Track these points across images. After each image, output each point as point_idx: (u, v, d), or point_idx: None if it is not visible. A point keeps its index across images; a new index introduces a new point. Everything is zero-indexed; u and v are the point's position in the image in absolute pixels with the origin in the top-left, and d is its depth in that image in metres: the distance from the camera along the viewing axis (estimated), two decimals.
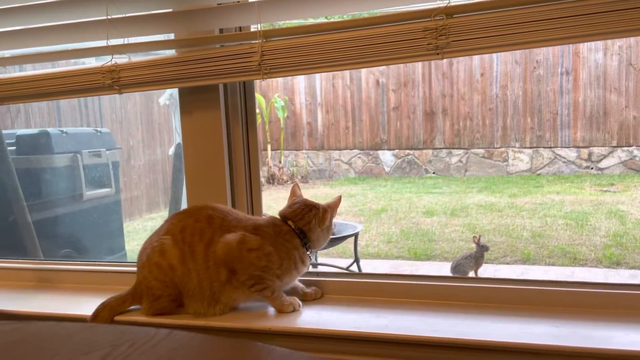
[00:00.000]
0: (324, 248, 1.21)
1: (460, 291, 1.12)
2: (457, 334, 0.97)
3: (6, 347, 0.51)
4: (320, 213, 1.14)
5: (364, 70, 5.99)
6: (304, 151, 6.36)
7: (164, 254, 1.10)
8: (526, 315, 1.04)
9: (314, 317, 1.08)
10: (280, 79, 6.31)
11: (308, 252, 1.13)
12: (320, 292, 1.19)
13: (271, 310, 1.12)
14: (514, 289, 1.09)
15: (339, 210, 1.18)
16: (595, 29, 0.91)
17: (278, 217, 1.16)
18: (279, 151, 6.37)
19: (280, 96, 6.31)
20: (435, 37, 0.98)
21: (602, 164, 5.26)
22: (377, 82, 5.99)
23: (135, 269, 1.17)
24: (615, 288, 1.05)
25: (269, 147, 6.33)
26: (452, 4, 0.98)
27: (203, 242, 1.09)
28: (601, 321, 0.99)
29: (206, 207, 1.14)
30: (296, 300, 1.13)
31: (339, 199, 1.18)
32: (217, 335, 0.58)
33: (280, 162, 6.34)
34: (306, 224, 1.13)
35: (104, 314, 1.14)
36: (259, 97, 6.09)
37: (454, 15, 0.98)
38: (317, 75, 6.18)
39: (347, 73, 6.07)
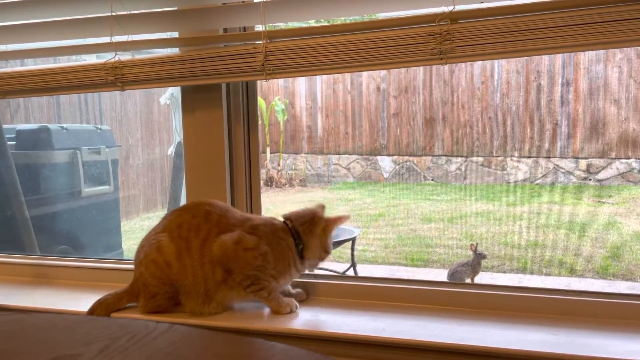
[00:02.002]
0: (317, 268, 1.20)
1: (458, 297, 1.12)
2: (455, 339, 0.96)
3: (6, 338, 0.51)
4: (315, 218, 1.13)
5: (365, 76, 6.01)
6: (303, 155, 6.37)
7: (161, 250, 1.10)
8: (524, 322, 1.03)
9: (310, 319, 1.08)
10: (281, 82, 6.33)
11: (301, 259, 1.12)
12: (305, 294, 1.18)
13: (267, 310, 1.12)
14: (511, 296, 1.09)
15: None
16: (599, 38, 0.92)
17: (280, 217, 1.16)
18: (278, 154, 6.37)
19: (280, 99, 6.32)
20: (440, 42, 0.99)
21: (601, 176, 5.28)
22: (378, 87, 6.01)
23: (132, 266, 1.17)
24: (613, 298, 1.05)
25: (267, 149, 6.33)
26: (457, 9, 0.99)
27: (199, 238, 1.09)
28: (598, 330, 0.99)
29: (204, 203, 1.14)
30: (293, 302, 1.12)
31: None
32: None
33: (279, 165, 6.34)
34: (300, 225, 1.12)
35: (100, 311, 1.13)
36: (259, 100, 6.09)
37: (459, 21, 0.99)
38: (318, 80, 6.19)
39: (348, 78, 6.09)
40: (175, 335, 0.49)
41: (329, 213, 1.17)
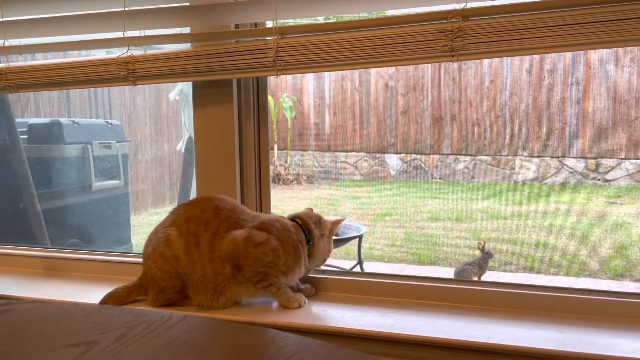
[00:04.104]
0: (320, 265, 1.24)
1: (466, 294, 1.12)
2: (463, 336, 0.97)
3: (24, 325, 0.52)
4: (322, 220, 1.19)
5: (373, 73, 5.99)
6: (311, 152, 6.37)
7: (169, 244, 1.11)
8: (532, 320, 1.04)
9: (319, 314, 1.09)
10: (289, 79, 6.33)
11: (307, 257, 1.15)
12: (313, 289, 1.20)
13: (276, 305, 1.13)
14: (519, 294, 1.09)
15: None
16: (612, 36, 0.92)
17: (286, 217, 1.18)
18: (286, 151, 6.38)
19: (288, 96, 6.32)
20: (451, 39, 0.99)
21: (609, 176, 5.24)
22: (387, 85, 5.99)
23: (141, 259, 1.18)
24: (622, 297, 1.05)
25: (275, 146, 6.34)
26: (469, 6, 0.99)
27: (208, 233, 1.10)
28: (607, 328, 0.99)
29: (213, 198, 1.15)
30: (302, 297, 1.13)
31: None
32: None
33: (286, 161, 6.35)
34: (313, 223, 1.17)
35: (110, 304, 1.15)
36: None
37: (470, 18, 0.99)
38: (326, 77, 6.19)
39: (356, 75, 6.08)
40: (189, 324, 0.50)
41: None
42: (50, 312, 0.56)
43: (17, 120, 2.64)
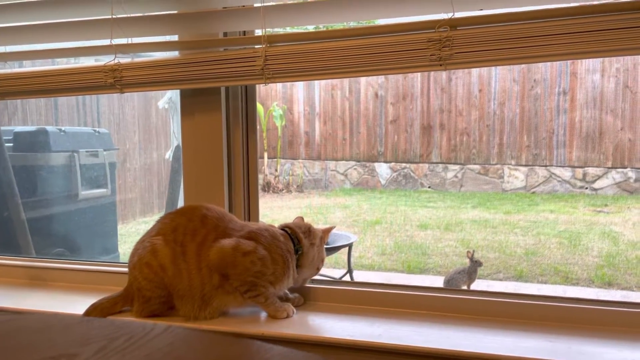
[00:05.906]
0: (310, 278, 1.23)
1: (455, 303, 1.12)
2: (451, 345, 0.96)
3: (1, 337, 0.50)
4: (312, 229, 1.19)
5: (363, 82, 6.02)
6: (301, 160, 6.37)
7: (155, 253, 1.09)
8: (520, 329, 1.04)
9: (307, 324, 1.08)
10: (279, 88, 6.34)
11: (296, 268, 1.14)
12: (302, 299, 1.19)
13: (264, 315, 1.12)
14: (508, 303, 1.09)
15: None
16: (597, 46, 0.92)
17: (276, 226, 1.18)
18: (276, 159, 6.37)
19: (278, 105, 6.32)
20: (439, 49, 0.99)
21: (597, 185, 5.29)
22: (376, 94, 6.02)
23: (127, 269, 1.16)
24: (609, 305, 1.05)
25: (265, 155, 6.33)
26: (457, 16, 0.99)
27: (195, 242, 1.09)
28: (595, 337, 0.99)
29: (201, 206, 1.14)
30: (290, 307, 1.12)
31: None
32: None
33: (276, 170, 6.34)
34: (302, 232, 1.16)
35: (95, 315, 1.13)
36: (257, 105, 6.07)
37: (458, 28, 0.99)
38: (316, 86, 6.20)
39: (346, 84, 6.10)
40: (173, 336, 0.49)
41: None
42: (29, 324, 0.54)
43: (3, 128, 2.61)
